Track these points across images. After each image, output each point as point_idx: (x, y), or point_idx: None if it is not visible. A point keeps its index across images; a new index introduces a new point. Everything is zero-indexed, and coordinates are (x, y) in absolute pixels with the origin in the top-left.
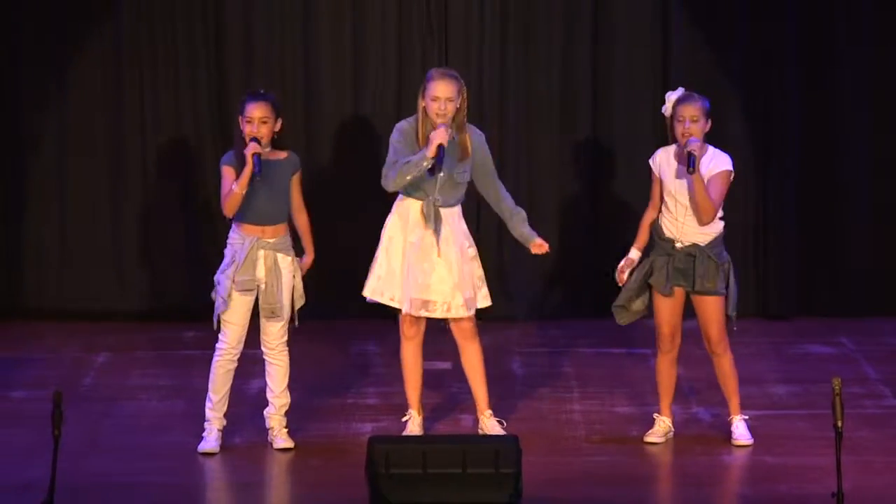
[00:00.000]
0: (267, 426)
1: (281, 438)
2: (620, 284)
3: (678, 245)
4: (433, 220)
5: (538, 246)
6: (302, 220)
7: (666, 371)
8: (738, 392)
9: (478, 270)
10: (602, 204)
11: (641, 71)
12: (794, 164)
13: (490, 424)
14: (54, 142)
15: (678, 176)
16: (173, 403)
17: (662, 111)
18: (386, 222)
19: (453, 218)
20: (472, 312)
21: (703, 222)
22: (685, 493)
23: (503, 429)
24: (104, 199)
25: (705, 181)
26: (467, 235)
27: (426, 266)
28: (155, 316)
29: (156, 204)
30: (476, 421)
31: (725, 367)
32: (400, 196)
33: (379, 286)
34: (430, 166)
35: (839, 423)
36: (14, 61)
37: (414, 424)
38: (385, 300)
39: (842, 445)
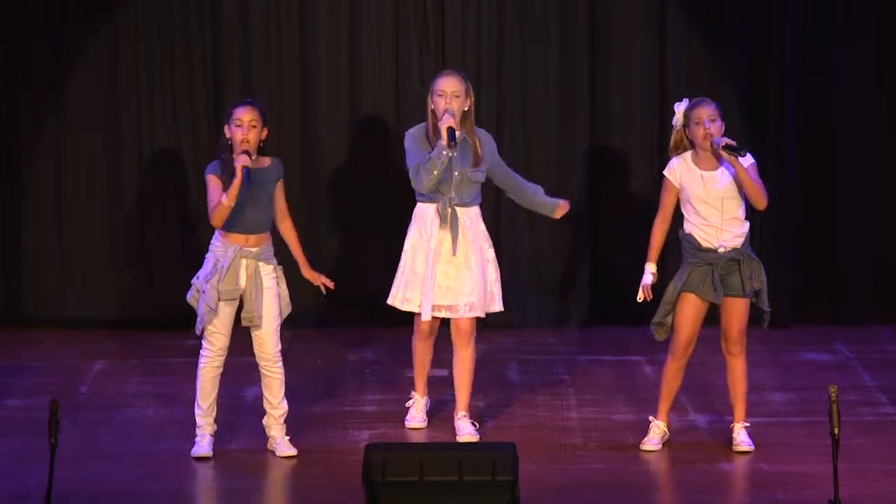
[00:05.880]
0: (267, 434)
1: (284, 446)
2: (639, 300)
3: (721, 250)
4: (449, 220)
5: (561, 209)
6: (287, 228)
7: (672, 377)
8: (746, 399)
9: (493, 273)
10: (601, 210)
11: (639, 73)
12: (791, 171)
13: (462, 425)
14: (52, 149)
15: (706, 181)
16: (171, 411)
17: (673, 123)
18: (407, 232)
19: (471, 217)
20: (483, 314)
21: (761, 206)
22: (682, 500)
23: (476, 431)
24: (102, 206)
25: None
26: (486, 237)
27: (450, 270)
28: (153, 324)
29: (154, 212)
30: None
31: (738, 369)
32: (418, 203)
33: (402, 294)
34: (450, 154)
35: (836, 431)
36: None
37: (417, 408)
38: (408, 307)
39: (838, 453)
